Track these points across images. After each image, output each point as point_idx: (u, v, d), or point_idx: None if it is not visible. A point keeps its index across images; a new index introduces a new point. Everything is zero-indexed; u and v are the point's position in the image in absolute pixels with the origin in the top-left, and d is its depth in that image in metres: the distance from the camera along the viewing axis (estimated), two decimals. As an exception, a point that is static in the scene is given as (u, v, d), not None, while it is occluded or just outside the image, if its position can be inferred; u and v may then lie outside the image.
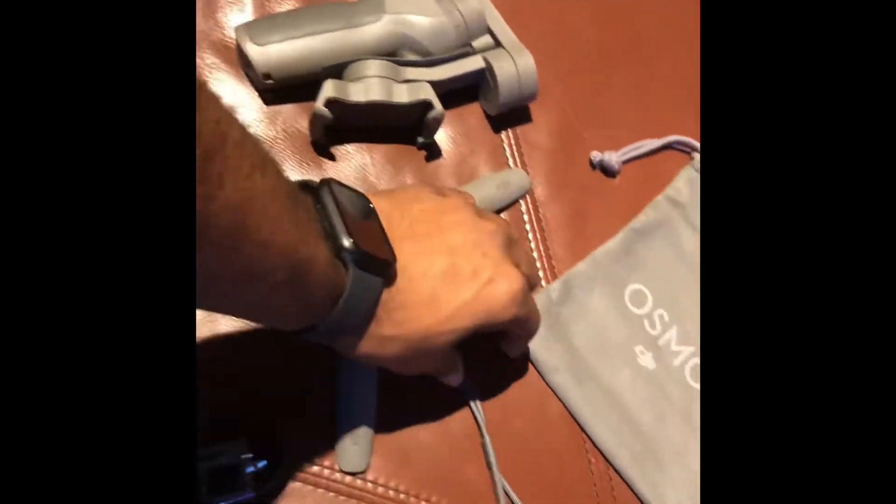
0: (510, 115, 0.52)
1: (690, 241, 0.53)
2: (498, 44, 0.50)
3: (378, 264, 0.35)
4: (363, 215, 0.37)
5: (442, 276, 0.37)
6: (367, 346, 0.37)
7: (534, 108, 0.53)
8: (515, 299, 0.39)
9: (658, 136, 0.54)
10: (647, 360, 0.50)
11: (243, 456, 0.41)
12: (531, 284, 0.41)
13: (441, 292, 0.37)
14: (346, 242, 0.33)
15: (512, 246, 0.41)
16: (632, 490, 0.48)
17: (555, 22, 0.56)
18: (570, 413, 0.48)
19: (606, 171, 0.53)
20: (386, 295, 0.36)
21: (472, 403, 0.46)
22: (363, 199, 0.38)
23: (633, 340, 0.50)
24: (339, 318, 0.34)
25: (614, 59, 0.56)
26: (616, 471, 0.48)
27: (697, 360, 0.51)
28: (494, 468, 0.45)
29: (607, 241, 0.51)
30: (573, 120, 0.54)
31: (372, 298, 0.35)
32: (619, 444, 0.48)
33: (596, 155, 0.52)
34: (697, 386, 0.51)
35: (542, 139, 0.53)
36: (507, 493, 0.45)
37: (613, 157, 0.52)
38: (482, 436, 0.46)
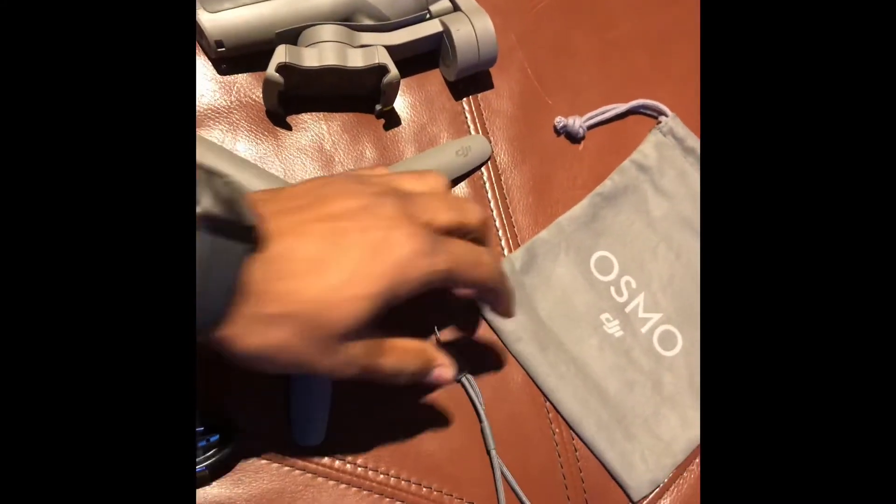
0: (471, 82, 0.51)
1: (658, 207, 0.52)
2: (456, 7, 0.49)
3: (235, 225, 0.30)
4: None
5: (323, 239, 0.32)
6: (252, 334, 0.31)
7: (495, 74, 0.52)
8: (423, 251, 0.33)
9: (623, 101, 0.53)
10: (613, 327, 0.49)
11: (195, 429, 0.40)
12: (433, 245, 0.35)
13: (327, 255, 0.32)
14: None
15: (411, 205, 0.35)
16: (598, 459, 0.47)
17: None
18: (534, 382, 0.47)
19: (571, 136, 0.52)
20: (260, 268, 0.31)
21: (470, 390, 0.45)
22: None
23: (599, 308, 0.49)
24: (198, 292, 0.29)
25: (576, 20, 0.55)
26: (582, 439, 0.47)
27: (665, 328, 0.50)
28: (494, 456, 0.45)
29: (572, 208, 0.50)
30: (536, 85, 0.53)
31: (234, 266, 0.30)
32: (585, 413, 0.47)
33: (560, 120, 0.51)
34: (666, 353, 0.50)
35: (504, 105, 0.52)
36: (510, 484, 0.45)
37: (578, 122, 0.51)
38: (481, 421, 0.45)
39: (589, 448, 0.47)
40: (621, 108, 0.53)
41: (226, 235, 0.29)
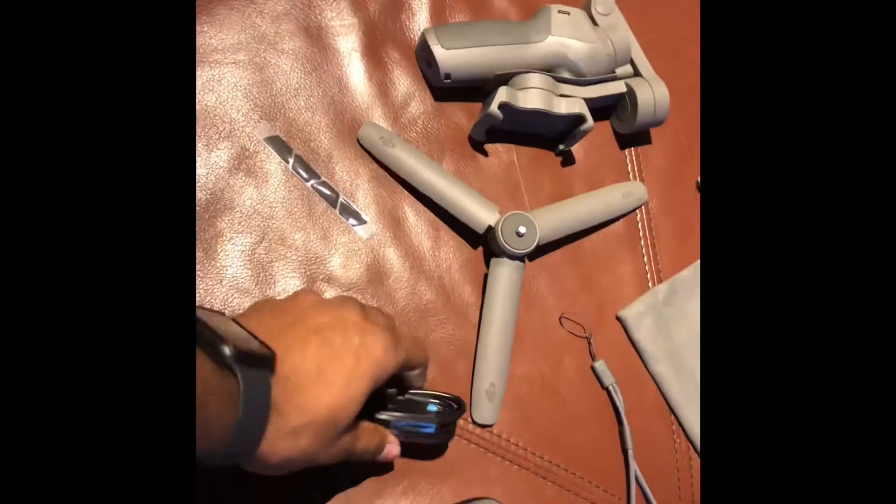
0: (634, 136, 0.60)
1: None
2: (637, 73, 0.58)
3: (260, 358, 0.35)
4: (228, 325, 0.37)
5: (319, 353, 0.38)
6: (282, 446, 0.36)
7: (653, 131, 0.61)
8: (390, 347, 0.40)
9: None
10: None
11: (431, 399, 0.47)
12: (395, 340, 0.41)
13: (326, 366, 0.37)
14: (227, 349, 0.33)
15: (365, 310, 0.42)
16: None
17: (674, 56, 0.63)
18: (664, 398, 0.56)
19: (710, 194, 0.61)
20: (278, 387, 0.36)
21: (615, 396, 0.54)
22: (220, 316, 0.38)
23: None
24: (244, 422, 0.33)
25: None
26: (698, 452, 0.56)
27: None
28: (630, 456, 0.53)
29: None
30: (685, 145, 0.61)
31: (266, 391, 0.35)
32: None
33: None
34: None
35: (658, 160, 0.61)
36: (638, 481, 0.53)
37: (718, 183, 0.60)
38: (621, 424, 0.54)
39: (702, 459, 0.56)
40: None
41: (255, 367, 0.34)
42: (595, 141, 0.59)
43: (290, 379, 0.36)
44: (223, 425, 0.32)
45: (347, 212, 0.52)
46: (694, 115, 0.62)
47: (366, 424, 0.42)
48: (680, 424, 0.56)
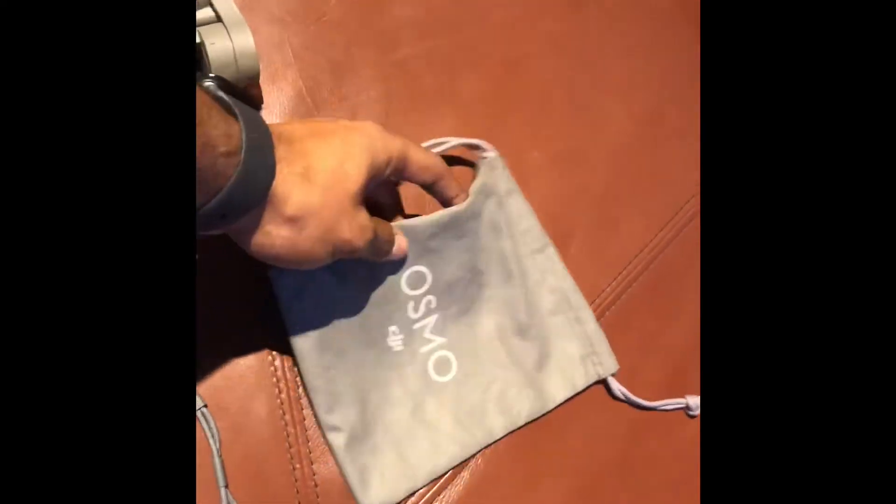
0: (238, 96, 0.48)
1: (485, 238, 0.51)
2: (218, 17, 0.47)
3: (245, 95, 0.37)
4: None
5: (309, 126, 0.39)
6: (298, 190, 0.36)
7: (266, 89, 0.50)
8: (384, 133, 0.41)
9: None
10: (395, 341, 0.48)
11: None
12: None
13: (320, 130, 0.39)
14: (208, 80, 0.36)
15: None
16: (339, 469, 0.46)
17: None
18: (300, 376, 0.46)
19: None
20: (275, 138, 0.36)
21: (204, 423, 0.44)
22: None
23: (390, 319, 0.48)
24: (251, 148, 0.33)
25: (358, 38, 0.53)
26: (330, 447, 0.46)
27: (443, 354, 0.50)
28: (224, 490, 0.44)
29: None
30: (309, 103, 0.51)
31: (264, 127, 0.35)
32: (341, 420, 0.45)
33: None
34: (436, 378, 0.49)
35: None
36: None
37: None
38: (215, 456, 0.44)
39: (333, 456, 0.46)
40: (455, 141, 0.51)
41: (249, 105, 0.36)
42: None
43: (284, 135, 0.37)
44: (228, 162, 0.32)
45: None
46: (321, 57, 0.51)
47: (375, 218, 0.42)
48: (315, 416, 0.45)
